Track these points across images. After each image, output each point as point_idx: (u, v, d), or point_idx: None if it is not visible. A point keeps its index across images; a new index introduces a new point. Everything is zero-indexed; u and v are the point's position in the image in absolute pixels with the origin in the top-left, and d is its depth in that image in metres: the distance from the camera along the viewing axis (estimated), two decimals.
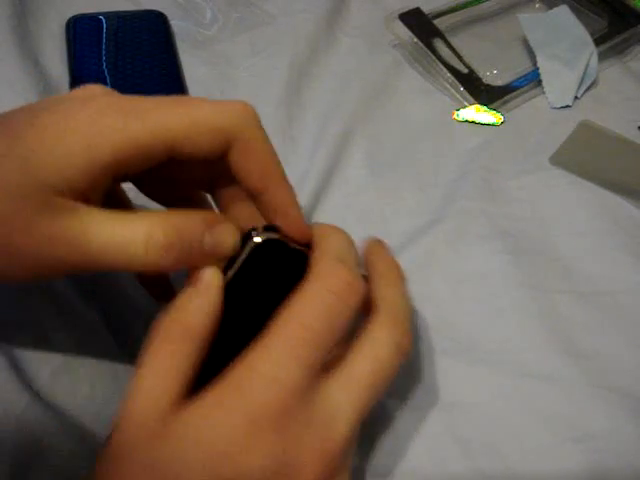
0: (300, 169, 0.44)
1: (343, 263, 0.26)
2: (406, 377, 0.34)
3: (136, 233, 0.24)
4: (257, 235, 0.27)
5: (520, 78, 0.51)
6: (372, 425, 0.32)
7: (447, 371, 0.35)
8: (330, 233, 0.29)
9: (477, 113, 0.49)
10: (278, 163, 0.28)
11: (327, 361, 0.25)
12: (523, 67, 0.52)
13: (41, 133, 0.24)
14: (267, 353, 0.24)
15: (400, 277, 0.30)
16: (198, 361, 0.25)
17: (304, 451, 0.23)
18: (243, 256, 0.26)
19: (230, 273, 0.26)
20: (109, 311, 0.35)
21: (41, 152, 0.23)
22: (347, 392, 0.25)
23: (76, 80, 0.47)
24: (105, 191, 0.26)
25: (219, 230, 0.26)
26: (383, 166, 0.45)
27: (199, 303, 0.25)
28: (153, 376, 0.24)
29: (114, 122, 0.24)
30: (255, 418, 0.23)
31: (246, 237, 0.27)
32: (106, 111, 0.25)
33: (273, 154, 0.28)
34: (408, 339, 0.27)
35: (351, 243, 0.29)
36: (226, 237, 0.26)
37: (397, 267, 0.30)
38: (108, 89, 0.28)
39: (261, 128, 0.27)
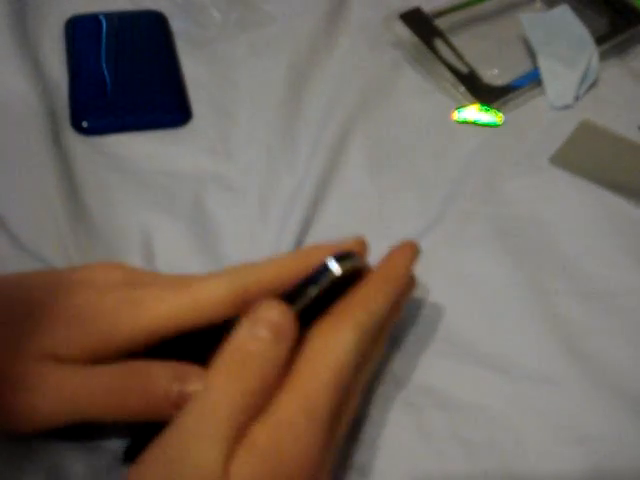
0: (300, 169, 0.44)
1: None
2: (406, 378, 0.34)
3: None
4: (336, 265, 0.27)
5: (521, 78, 0.51)
6: (373, 427, 0.32)
7: (447, 372, 0.34)
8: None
9: (477, 113, 0.48)
10: None
11: None
12: (524, 67, 0.52)
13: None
14: (305, 395, 0.26)
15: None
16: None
17: None
18: (319, 287, 0.27)
19: (299, 305, 0.27)
20: None
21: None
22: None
23: (75, 80, 0.47)
24: None
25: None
26: (383, 166, 0.45)
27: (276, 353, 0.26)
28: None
29: (127, 317, 0.28)
30: (304, 463, 0.24)
31: (321, 269, 0.27)
32: (121, 306, 0.28)
33: None
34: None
35: None
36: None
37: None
38: (111, 269, 0.31)
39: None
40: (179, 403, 0.25)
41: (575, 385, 0.34)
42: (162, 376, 0.26)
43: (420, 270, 0.39)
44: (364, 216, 0.42)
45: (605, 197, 0.43)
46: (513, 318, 0.37)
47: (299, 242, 0.40)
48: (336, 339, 0.27)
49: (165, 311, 0.28)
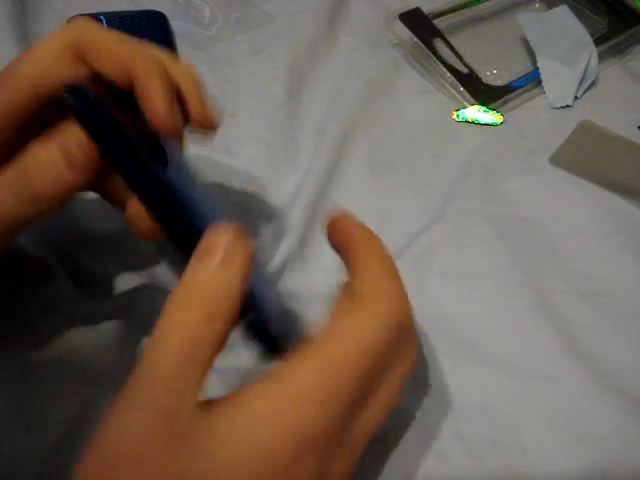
0: (300, 169, 0.44)
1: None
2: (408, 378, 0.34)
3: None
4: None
5: (520, 78, 0.51)
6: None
7: (448, 372, 0.35)
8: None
9: (477, 113, 0.49)
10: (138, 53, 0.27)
11: None
12: (523, 67, 0.52)
13: None
14: (324, 369, 0.23)
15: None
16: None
17: (336, 468, 0.24)
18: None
19: None
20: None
21: None
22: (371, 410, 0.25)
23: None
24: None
25: None
26: (383, 166, 0.45)
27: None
28: (173, 364, 0.22)
29: None
30: (304, 438, 0.22)
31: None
32: None
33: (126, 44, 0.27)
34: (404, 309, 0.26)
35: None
36: None
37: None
38: None
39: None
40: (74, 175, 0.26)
41: (576, 384, 0.34)
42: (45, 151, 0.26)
43: (420, 269, 0.39)
44: (364, 215, 0.42)
45: (604, 197, 0.43)
46: (513, 317, 0.37)
47: (299, 242, 0.40)
48: (364, 318, 0.25)
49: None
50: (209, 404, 0.22)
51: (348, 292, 0.26)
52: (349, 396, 0.23)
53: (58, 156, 0.26)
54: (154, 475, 0.20)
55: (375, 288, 0.26)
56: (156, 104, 0.27)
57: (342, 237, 0.28)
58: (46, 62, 0.27)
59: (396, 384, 0.26)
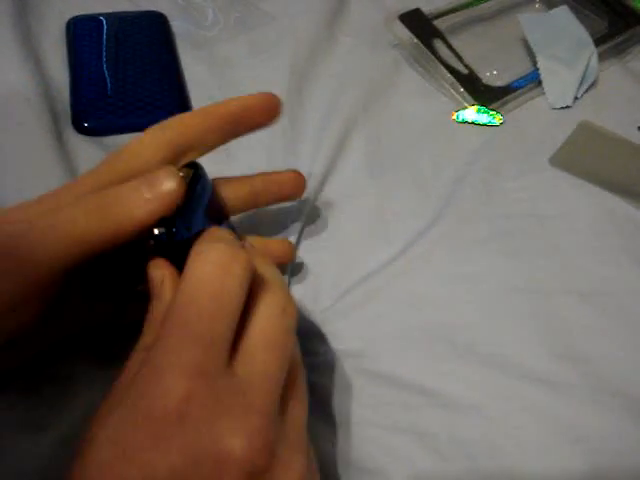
0: (301, 169, 0.44)
1: (222, 240, 0.26)
2: (405, 379, 0.34)
3: None
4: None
5: (520, 79, 0.51)
6: (372, 427, 0.32)
7: (445, 373, 0.34)
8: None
9: (477, 114, 0.49)
10: None
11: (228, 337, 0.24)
12: (523, 68, 0.52)
13: None
14: (162, 343, 0.23)
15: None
16: None
17: (225, 435, 0.22)
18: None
19: None
20: None
21: None
22: (250, 364, 0.24)
23: (77, 81, 0.47)
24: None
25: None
26: (382, 167, 0.45)
27: None
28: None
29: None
30: (156, 414, 0.21)
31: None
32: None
33: None
34: (291, 302, 0.26)
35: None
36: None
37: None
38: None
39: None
40: (157, 204, 0.26)
41: (574, 385, 0.34)
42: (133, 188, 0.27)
43: (418, 270, 0.39)
44: (364, 216, 0.42)
45: (604, 197, 0.43)
46: (512, 318, 0.37)
47: (300, 243, 0.40)
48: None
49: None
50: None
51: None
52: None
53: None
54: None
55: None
56: None
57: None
58: None
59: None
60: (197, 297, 0.23)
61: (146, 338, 0.25)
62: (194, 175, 0.29)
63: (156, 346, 0.23)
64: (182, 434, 0.21)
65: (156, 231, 0.26)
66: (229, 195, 0.34)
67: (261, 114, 0.33)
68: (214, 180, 0.33)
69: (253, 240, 0.34)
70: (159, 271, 0.26)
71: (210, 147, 0.32)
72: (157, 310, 0.26)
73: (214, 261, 0.24)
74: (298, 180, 0.37)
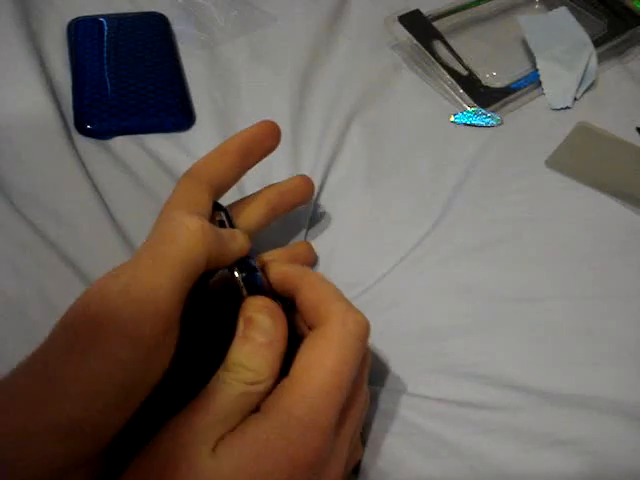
0: (301, 170, 0.44)
1: (351, 305, 0.28)
2: (400, 387, 0.34)
3: None
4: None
5: (519, 80, 0.51)
6: (366, 431, 0.32)
7: (434, 382, 0.34)
8: (311, 274, 0.30)
9: (476, 115, 0.49)
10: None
11: None
12: (522, 69, 0.53)
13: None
14: (303, 399, 0.25)
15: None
16: None
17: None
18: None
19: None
20: None
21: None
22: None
23: (78, 83, 0.48)
24: None
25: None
26: (382, 169, 0.45)
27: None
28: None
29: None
30: (297, 461, 0.24)
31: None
32: None
33: None
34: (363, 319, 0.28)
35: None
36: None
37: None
38: None
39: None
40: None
41: (570, 389, 0.34)
42: None
43: (418, 274, 0.39)
44: (362, 219, 0.42)
45: (601, 200, 0.43)
46: (509, 323, 0.37)
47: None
48: (328, 337, 0.27)
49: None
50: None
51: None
52: (332, 418, 0.25)
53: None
54: None
55: (330, 316, 0.27)
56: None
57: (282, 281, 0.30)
58: None
59: (364, 387, 0.29)
60: (339, 370, 0.26)
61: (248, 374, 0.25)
62: (227, 215, 0.31)
63: (295, 400, 0.25)
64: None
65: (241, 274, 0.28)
66: (250, 216, 0.35)
67: (267, 140, 0.35)
68: (231, 206, 0.33)
69: (278, 251, 0.36)
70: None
71: (231, 185, 0.34)
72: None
73: (355, 334, 0.27)
74: (308, 184, 0.38)
